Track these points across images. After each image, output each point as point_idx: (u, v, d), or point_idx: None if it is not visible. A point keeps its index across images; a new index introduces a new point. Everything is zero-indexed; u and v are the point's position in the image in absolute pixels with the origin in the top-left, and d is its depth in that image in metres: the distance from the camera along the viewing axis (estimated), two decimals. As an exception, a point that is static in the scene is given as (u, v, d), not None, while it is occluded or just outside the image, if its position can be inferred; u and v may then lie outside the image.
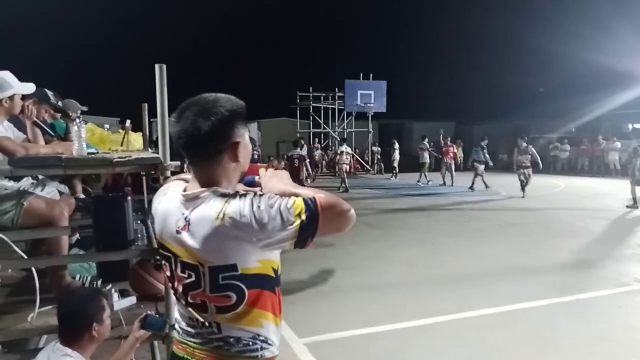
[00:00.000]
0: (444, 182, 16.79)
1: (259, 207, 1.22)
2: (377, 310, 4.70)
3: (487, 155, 15.18)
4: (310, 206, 1.22)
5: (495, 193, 14.23)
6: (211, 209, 1.26)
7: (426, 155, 17.49)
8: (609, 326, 4.26)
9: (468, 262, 6.53)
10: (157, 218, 1.42)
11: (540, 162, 13.41)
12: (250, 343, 1.34)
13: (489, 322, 4.41)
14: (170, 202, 1.39)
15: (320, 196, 1.25)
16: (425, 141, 17.91)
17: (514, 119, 32.13)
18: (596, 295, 5.09)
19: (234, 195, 1.28)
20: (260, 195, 1.26)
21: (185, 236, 1.30)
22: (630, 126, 21.95)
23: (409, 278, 5.82)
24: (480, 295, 5.10)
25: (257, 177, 1.46)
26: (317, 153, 22.66)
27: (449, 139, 17.63)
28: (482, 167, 14.99)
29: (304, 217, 1.21)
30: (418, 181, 17.41)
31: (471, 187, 14.99)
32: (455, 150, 17.30)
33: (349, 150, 17.38)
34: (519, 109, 33.63)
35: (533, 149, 13.22)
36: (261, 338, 1.36)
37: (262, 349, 1.36)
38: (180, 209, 1.33)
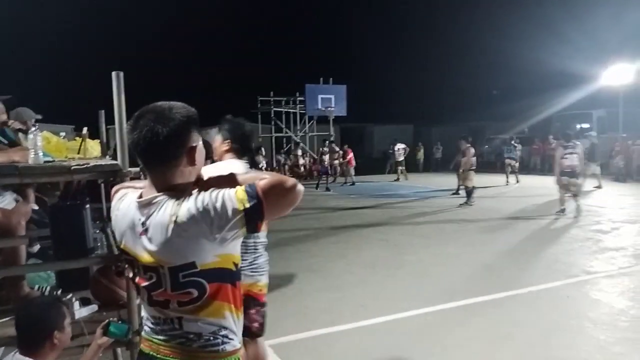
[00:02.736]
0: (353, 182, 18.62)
1: (204, 203, 1.29)
2: (342, 310, 4.78)
3: (517, 152, 17.06)
4: (251, 193, 1.28)
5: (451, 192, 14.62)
6: (165, 212, 1.32)
7: (402, 154, 19.60)
8: (560, 316, 4.48)
9: (429, 260, 6.71)
10: (117, 225, 1.47)
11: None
12: (212, 338, 1.40)
13: (448, 317, 4.57)
14: (127, 208, 1.44)
15: (261, 181, 1.31)
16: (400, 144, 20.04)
17: (470, 121, 33.14)
18: (547, 287, 5.35)
19: (185, 197, 1.34)
20: (205, 192, 1.32)
21: (144, 240, 1.36)
22: (578, 126, 22.99)
23: (372, 277, 5.94)
24: (440, 291, 5.27)
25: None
26: (282, 157, 22.78)
27: (347, 145, 19.81)
28: (516, 163, 16.92)
29: (247, 205, 1.27)
30: (397, 179, 19.45)
31: (517, 181, 16.84)
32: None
33: (298, 152, 18.46)
34: (475, 111, 34.76)
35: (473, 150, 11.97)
36: (222, 333, 1.41)
37: (223, 343, 1.41)
38: (137, 214, 1.39)
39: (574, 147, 9.62)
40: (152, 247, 1.34)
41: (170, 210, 1.31)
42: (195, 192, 1.35)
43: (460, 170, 12.26)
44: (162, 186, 1.37)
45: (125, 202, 1.47)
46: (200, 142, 1.44)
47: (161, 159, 1.36)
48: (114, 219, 1.49)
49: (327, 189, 16.51)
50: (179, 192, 1.36)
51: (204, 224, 1.28)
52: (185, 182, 1.40)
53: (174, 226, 1.29)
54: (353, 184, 18.48)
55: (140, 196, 1.41)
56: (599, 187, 14.40)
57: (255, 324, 2.93)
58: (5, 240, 2.73)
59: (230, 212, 1.28)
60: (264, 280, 3.01)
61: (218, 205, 1.28)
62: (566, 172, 9.53)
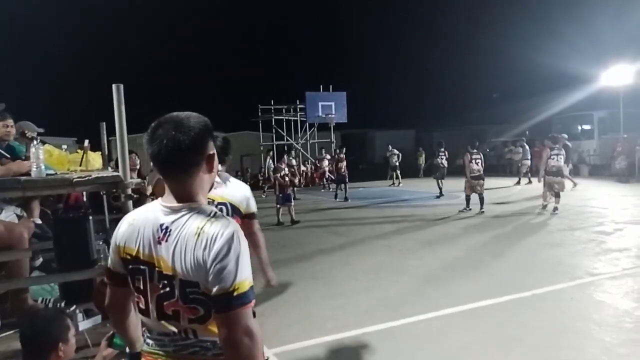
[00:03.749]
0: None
1: (227, 251, 1.28)
2: (346, 317, 4.77)
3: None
4: (243, 304, 1.27)
5: (455, 197, 14.61)
6: (193, 223, 1.33)
7: (395, 159, 20.15)
8: (565, 319, 4.46)
9: (433, 265, 6.69)
10: (133, 232, 1.42)
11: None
12: None
13: (453, 321, 4.55)
14: (147, 214, 1.42)
15: (250, 322, 1.28)
16: (390, 147, 20.57)
17: (472, 124, 33.16)
18: (551, 289, 5.33)
19: (219, 216, 1.35)
20: (243, 244, 1.32)
21: (163, 246, 1.35)
22: (579, 128, 22.98)
23: (376, 283, 5.93)
24: (445, 295, 5.26)
25: None
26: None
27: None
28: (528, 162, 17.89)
29: (232, 294, 1.26)
30: (392, 184, 20.05)
31: (518, 183, 17.68)
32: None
33: (293, 162, 18.10)
34: (476, 115, 34.80)
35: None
36: None
37: None
38: (159, 220, 1.38)
39: (560, 150, 10.61)
40: (169, 254, 1.33)
41: (199, 223, 1.32)
42: (235, 228, 1.33)
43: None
44: (183, 195, 1.38)
45: (144, 208, 1.46)
46: (214, 150, 1.46)
47: (183, 167, 1.37)
48: (126, 228, 1.44)
49: (344, 198, 15.37)
50: (206, 206, 1.39)
51: (209, 262, 1.28)
52: (204, 190, 1.42)
53: (196, 239, 1.30)
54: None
55: (164, 201, 1.41)
56: (574, 185, 14.87)
57: None
58: (9, 254, 2.74)
59: (220, 280, 1.27)
60: None
61: (230, 264, 1.28)
62: (552, 171, 10.42)
